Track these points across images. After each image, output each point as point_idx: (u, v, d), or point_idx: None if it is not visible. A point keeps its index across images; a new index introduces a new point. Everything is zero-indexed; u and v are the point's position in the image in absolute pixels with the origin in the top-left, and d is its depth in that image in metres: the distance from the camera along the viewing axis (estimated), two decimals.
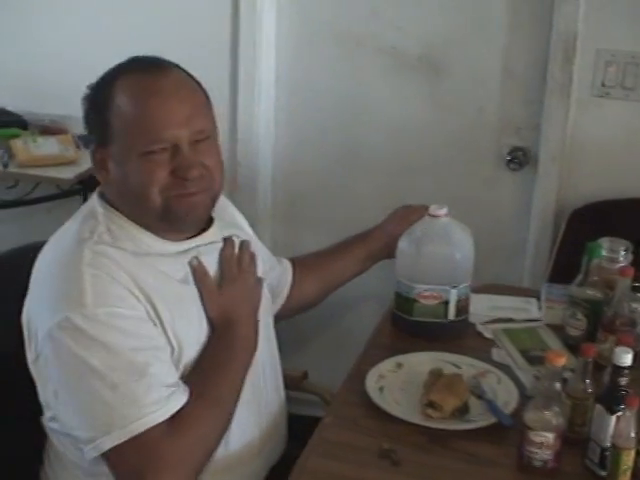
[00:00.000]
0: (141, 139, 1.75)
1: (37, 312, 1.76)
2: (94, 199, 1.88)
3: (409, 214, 2.39)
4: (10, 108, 3.45)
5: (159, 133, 1.75)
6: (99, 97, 1.80)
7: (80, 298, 1.68)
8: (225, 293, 1.90)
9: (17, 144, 3.20)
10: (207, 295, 1.88)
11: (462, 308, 2.31)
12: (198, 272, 1.87)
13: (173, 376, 1.77)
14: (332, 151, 3.35)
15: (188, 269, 1.87)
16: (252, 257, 2.01)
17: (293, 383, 2.38)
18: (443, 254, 2.27)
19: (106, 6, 3.35)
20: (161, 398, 1.70)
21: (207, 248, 1.92)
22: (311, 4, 3.26)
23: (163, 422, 1.70)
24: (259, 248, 2.14)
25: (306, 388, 2.51)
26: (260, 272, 2.05)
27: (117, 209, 1.84)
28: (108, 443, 1.67)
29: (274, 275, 2.24)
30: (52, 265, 1.78)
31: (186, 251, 1.88)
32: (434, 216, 2.29)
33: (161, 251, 1.84)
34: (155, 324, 1.77)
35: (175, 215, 1.81)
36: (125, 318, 1.71)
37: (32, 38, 3.46)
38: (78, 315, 1.67)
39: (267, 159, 3.39)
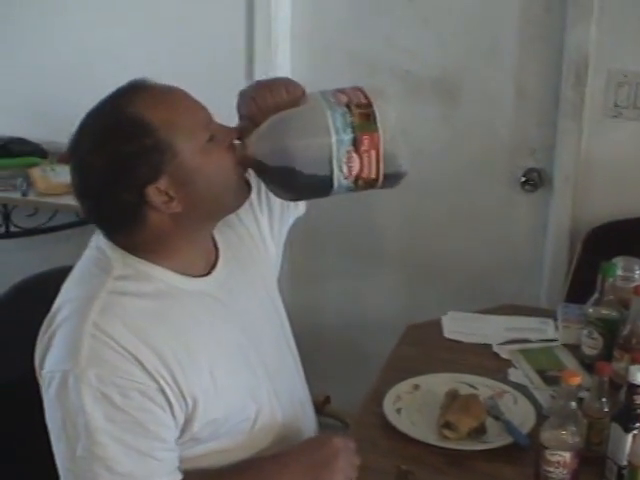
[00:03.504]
0: (193, 135, 1.65)
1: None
2: (100, 241, 1.72)
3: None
4: (29, 137, 3.49)
5: (203, 124, 1.68)
6: (125, 136, 1.65)
7: (76, 355, 1.58)
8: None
9: (36, 172, 3.25)
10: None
11: None
12: None
13: (141, 460, 1.60)
14: None
15: (213, 312, 1.76)
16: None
17: (316, 408, 2.38)
18: None
19: (123, 34, 3.40)
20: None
21: (220, 291, 1.80)
22: (325, 29, 3.30)
23: None
24: (250, 222, 2.01)
25: (329, 413, 2.51)
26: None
27: (131, 252, 1.69)
28: None
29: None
30: (65, 311, 1.66)
31: (205, 291, 1.77)
32: None
33: (184, 286, 1.72)
34: (161, 387, 1.62)
35: (246, 196, 1.76)
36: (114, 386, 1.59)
37: (50, 67, 3.51)
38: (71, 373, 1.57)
39: None
